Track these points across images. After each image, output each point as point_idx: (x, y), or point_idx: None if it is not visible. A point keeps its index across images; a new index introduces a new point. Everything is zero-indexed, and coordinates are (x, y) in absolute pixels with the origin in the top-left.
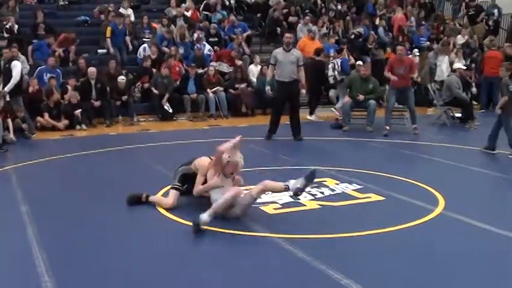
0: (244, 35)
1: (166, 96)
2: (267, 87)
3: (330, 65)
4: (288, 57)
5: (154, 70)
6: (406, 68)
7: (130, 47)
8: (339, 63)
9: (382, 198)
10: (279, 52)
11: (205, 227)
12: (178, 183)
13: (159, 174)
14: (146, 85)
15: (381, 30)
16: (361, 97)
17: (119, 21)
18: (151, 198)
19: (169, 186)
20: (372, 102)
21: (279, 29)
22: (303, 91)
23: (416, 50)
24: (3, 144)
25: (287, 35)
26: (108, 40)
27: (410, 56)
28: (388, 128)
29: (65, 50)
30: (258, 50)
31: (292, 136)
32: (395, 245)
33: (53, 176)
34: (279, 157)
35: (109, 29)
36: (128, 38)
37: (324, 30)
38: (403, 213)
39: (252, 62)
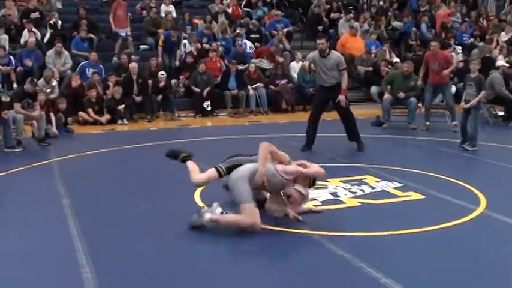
0: (285, 30)
1: (207, 90)
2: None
3: None
4: (325, 63)
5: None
6: (440, 64)
7: (182, 53)
8: None
9: (422, 196)
10: (315, 57)
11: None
12: (223, 168)
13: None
14: (186, 82)
15: (423, 26)
16: (402, 94)
17: (174, 33)
18: (188, 164)
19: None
20: (413, 99)
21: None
22: (342, 98)
23: (459, 47)
24: (46, 137)
25: (319, 41)
26: (160, 48)
27: (452, 52)
28: (428, 124)
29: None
30: (299, 46)
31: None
32: (436, 245)
33: (94, 170)
34: (317, 154)
35: (162, 38)
36: (179, 52)
37: (366, 26)
38: (444, 213)
39: (293, 59)
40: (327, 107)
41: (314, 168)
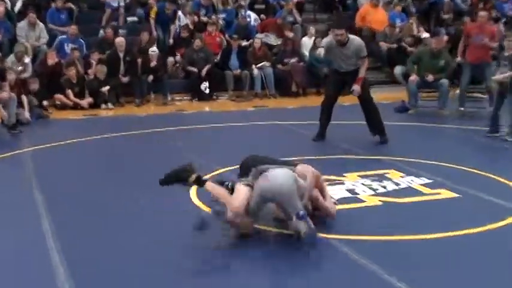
0: (295, 0)
1: (206, 69)
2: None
3: None
4: (343, 52)
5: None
6: (484, 39)
7: (176, 27)
8: None
9: (455, 195)
10: (331, 43)
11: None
12: (250, 181)
13: (195, 162)
14: (179, 59)
15: None
16: (430, 77)
17: (169, 6)
18: (209, 187)
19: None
20: (444, 81)
21: None
22: (357, 88)
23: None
24: (17, 124)
25: (338, 31)
26: (152, 21)
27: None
28: (462, 109)
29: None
30: (312, 19)
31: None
32: (468, 250)
33: (73, 162)
34: (332, 144)
35: (154, 9)
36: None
37: None
38: (480, 213)
39: (304, 34)
40: (342, 90)
41: (329, 205)
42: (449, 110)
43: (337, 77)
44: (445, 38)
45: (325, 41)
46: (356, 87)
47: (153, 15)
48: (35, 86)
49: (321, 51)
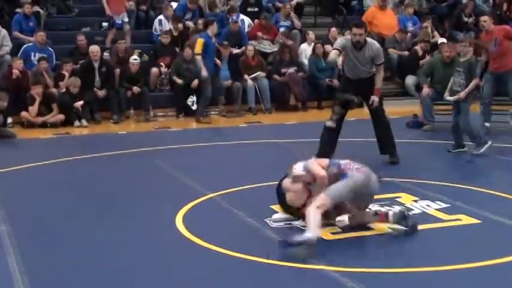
0: (294, 2)
1: (197, 81)
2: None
3: None
4: (359, 56)
5: (177, 50)
6: (497, 42)
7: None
8: None
9: (475, 220)
10: (346, 45)
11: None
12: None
13: (182, 186)
14: (164, 70)
15: None
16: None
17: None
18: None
19: None
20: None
21: None
22: (376, 98)
23: None
24: None
25: (356, 30)
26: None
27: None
28: (487, 125)
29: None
30: (312, 24)
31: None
32: (491, 284)
33: (42, 187)
34: None
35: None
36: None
37: None
38: (504, 242)
39: (304, 40)
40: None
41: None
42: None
43: (349, 88)
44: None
45: (339, 41)
46: (375, 98)
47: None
48: (3, 103)
49: (335, 58)
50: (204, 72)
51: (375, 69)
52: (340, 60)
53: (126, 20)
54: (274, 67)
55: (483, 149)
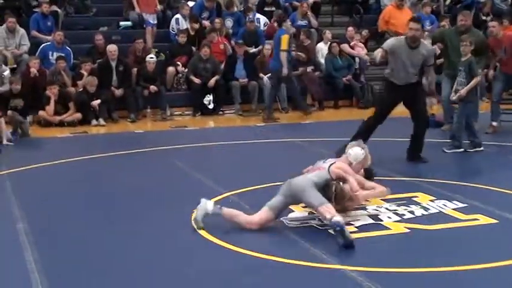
0: (311, 1)
1: (214, 80)
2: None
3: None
4: (412, 56)
5: (193, 49)
6: (508, 49)
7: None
8: None
9: (493, 220)
10: (399, 46)
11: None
12: None
13: (198, 185)
14: (181, 69)
15: None
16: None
17: None
18: None
19: None
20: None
21: None
22: (433, 100)
23: None
24: None
25: (414, 25)
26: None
27: None
28: (495, 124)
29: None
30: (329, 23)
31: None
32: (510, 284)
33: (59, 186)
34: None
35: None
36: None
37: None
38: None
39: (320, 39)
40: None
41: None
42: (480, 125)
43: (394, 94)
44: None
45: (390, 42)
46: (434, 101)
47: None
48: (18, 101)
49: (378, 54)
50: (285, 70)
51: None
52: (379, 56)
53: (154, 22)
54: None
55: (451, 151)
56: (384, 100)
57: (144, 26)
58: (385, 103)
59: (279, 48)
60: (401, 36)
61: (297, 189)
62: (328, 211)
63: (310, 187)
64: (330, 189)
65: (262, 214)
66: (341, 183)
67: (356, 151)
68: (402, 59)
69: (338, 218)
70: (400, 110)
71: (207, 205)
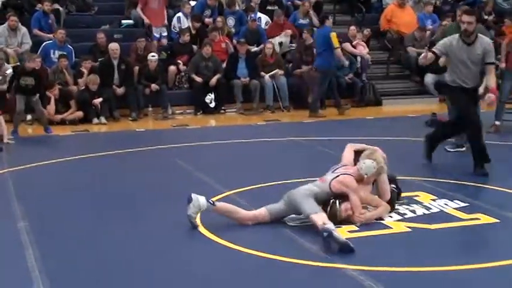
0: (312, 0)
1: (216, 78)
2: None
3: None
4: (469, 53)
5: (194, 47)
6: None
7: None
8: None
9: (494, 220)
10: (451, 45)
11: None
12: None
13: (199, 184)
14: (183, 67)
15: None
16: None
17: None
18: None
19: None
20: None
21: None
22: (491, 96)
23: None
24: None
25: (467, 18)
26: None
27: None
28: (497, 124)
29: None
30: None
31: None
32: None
33: (60, 184)
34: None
35: None
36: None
37: None
38: None
39: None
40: None
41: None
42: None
43: (466, 96)
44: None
45: (442, 43)
46: (492, 96)
47: None
48: (30, 79)
49: (423, 62)
50: (346, 62)
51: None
52: (422, 59)
53: (165, 34)
54: (293, 65)
55: (454, 150)
56: (464, 102)
57: (149, 39)
58: (467, 104)
59: (326, 46)
60: (455, 35)
61: (295, 199)
62: (319, 219)
63: (306, 196)
64: (325, 206)
65: (258, 212)
66: (337, 203)
67: (368, 164)
68: (461, 59)
69: (328, 225)
70: (403, 109)
71: (200, 201)
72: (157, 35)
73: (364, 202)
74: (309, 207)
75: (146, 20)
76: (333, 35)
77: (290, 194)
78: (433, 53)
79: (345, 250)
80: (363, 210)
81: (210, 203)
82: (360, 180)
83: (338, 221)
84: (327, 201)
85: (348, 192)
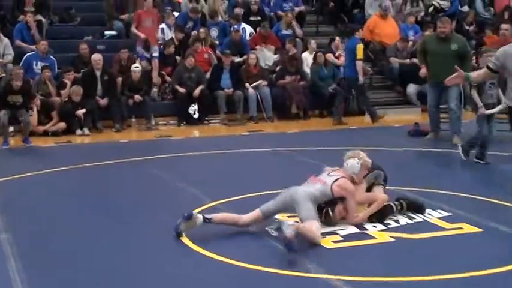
0: (296, 10)
1: (199, 89)
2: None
3: None
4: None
5: (178, 58)
6: None
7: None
8: None
9: (478, 229)
10: (505, 56)
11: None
12: None
13: (183, 195)
14: (168, 78)
15: (479, 4)
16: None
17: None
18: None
19: None
20: (454, 100)
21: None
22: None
23: None
24: None
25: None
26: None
27: None
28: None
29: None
30: (314, 32)
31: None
32: None
33: (43, 196)
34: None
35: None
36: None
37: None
38: (506, 251)
39: (305, 48)
40: None
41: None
42: (462, 138)
43: None
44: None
45: (495, 56)
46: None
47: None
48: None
49: (479, 80)
50: (361, 78)
51: None
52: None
53: (156, 54)
54: (277, 76)
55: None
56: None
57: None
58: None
59: (353, 56)
60: (506, 46)
61: (297, 199)
62: (309, 227)
63: (306, 200)
64: (320, 212)
65: (256, 214)
66: (330, 211)
67: (351, 163)
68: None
69: (294, 238)
70: (385, 119)
71: (197, 220)
72: (148, 56)
73: (361, 204)
74: (305, 212)
75: (143, 36)
76: (360, 46)
77: (291, 193)
78: (492, 70)
79: (287, 248)
80: (355, 214)
81: (206, 221)
82: (352, 181)
83: (334, 224)
84: (321, 209)
85: (347, 196)
